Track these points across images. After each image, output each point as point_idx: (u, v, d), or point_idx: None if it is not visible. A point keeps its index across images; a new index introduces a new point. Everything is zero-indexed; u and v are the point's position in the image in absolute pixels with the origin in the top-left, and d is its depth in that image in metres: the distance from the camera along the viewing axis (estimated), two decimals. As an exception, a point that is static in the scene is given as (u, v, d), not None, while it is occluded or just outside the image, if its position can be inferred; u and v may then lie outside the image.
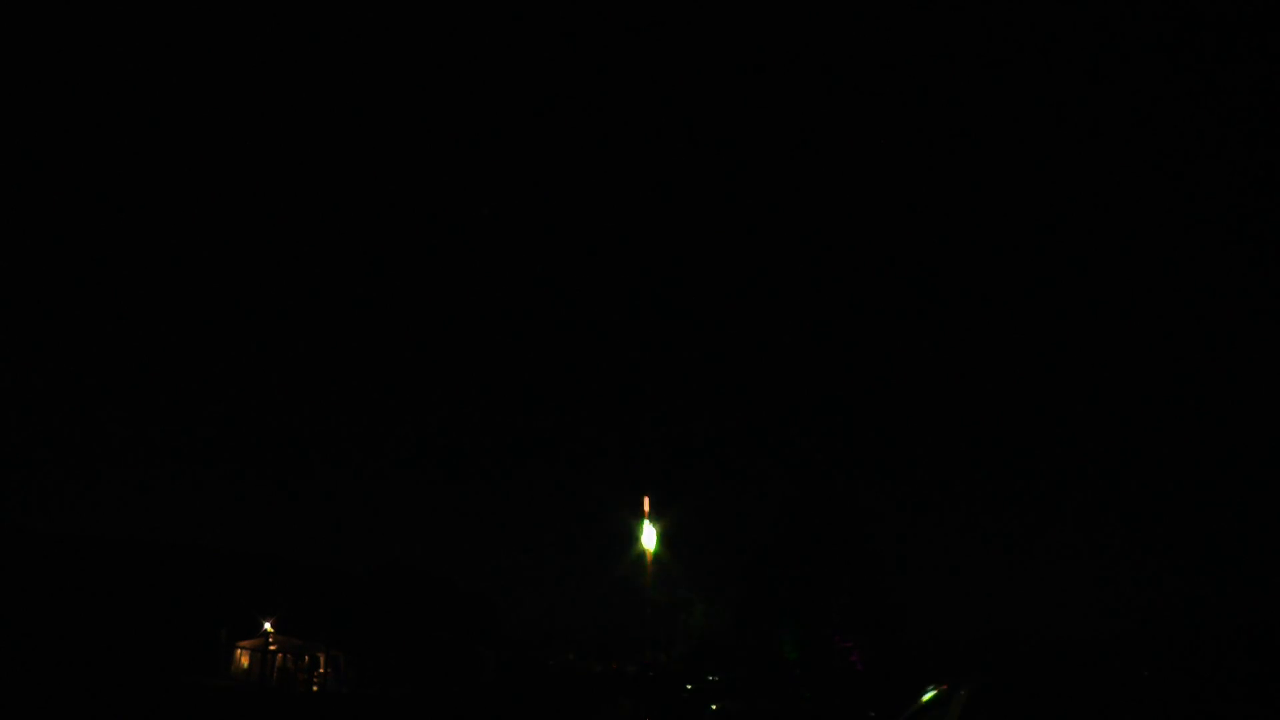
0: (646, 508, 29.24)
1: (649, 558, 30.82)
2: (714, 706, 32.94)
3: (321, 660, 55.89)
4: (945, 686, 6.14)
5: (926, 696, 6.37)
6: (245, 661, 55.93)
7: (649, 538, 29.48)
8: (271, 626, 53.89)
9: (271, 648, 54.75)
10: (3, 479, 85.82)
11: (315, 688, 53.84)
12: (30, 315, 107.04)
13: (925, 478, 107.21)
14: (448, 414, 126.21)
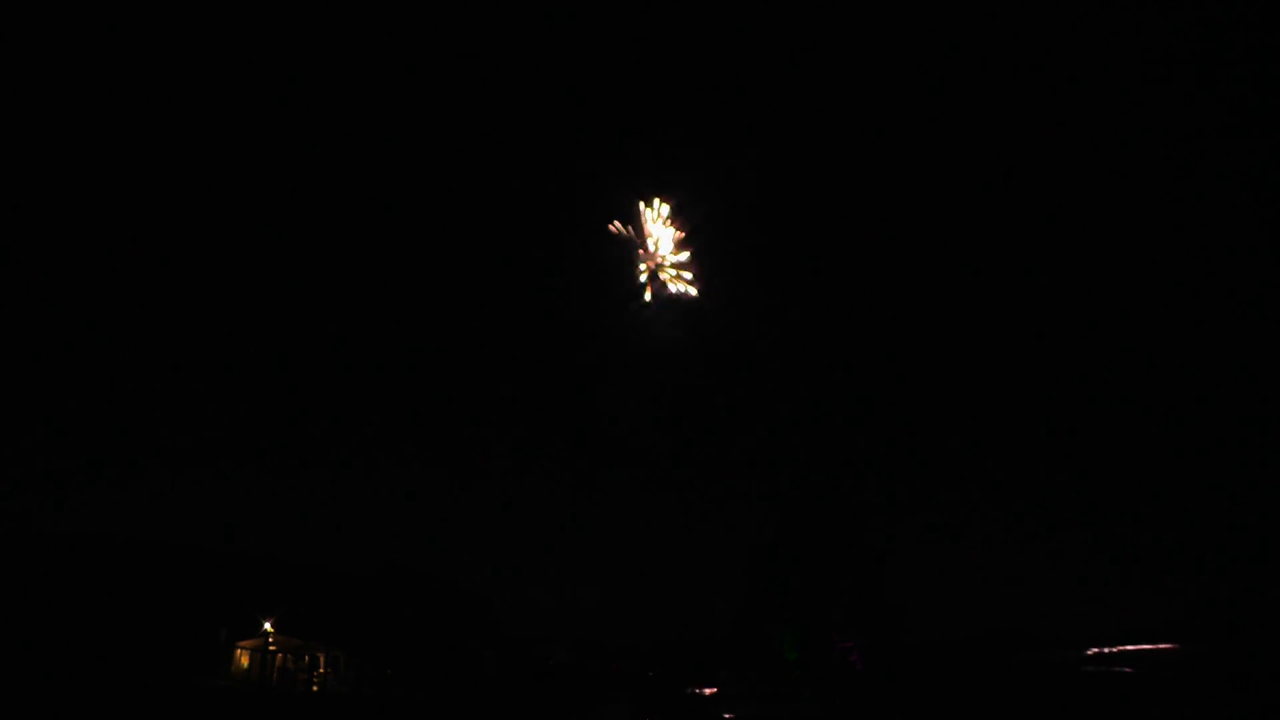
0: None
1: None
2: (726, 716, 33.04)
3: (321, 660, 55.90)
4: None
5: None
6: (245, 661, 55.90)
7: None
8: (271, 626, 53.90)
9: (271, 648, 54.75)
10: (4, 479, 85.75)
11: (315, 688, 53.86)
12: (30, 314, 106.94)
13: (925, 478, 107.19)
14: (447, 414, 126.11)
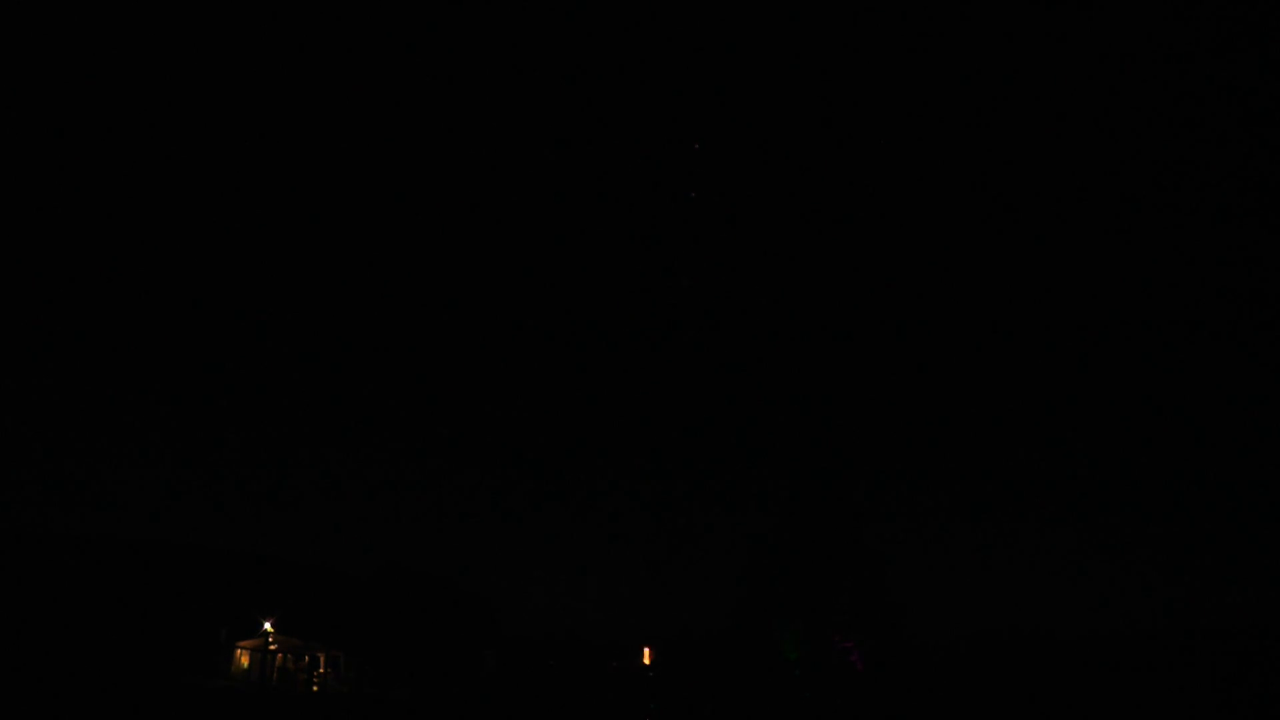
0: None
1: None
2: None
3: (321, 660, 55.94)
4: None
5: None
6: (245, 661, 55.94)
7: None
8: (271, 626, 53.94)
9: (271, 648, 54.79)
10: (3, 479, 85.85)
11: (315, 688, 53.90)
12: (30, 314, 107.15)
13: (924, 477, 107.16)
14: (447, 413, 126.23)
